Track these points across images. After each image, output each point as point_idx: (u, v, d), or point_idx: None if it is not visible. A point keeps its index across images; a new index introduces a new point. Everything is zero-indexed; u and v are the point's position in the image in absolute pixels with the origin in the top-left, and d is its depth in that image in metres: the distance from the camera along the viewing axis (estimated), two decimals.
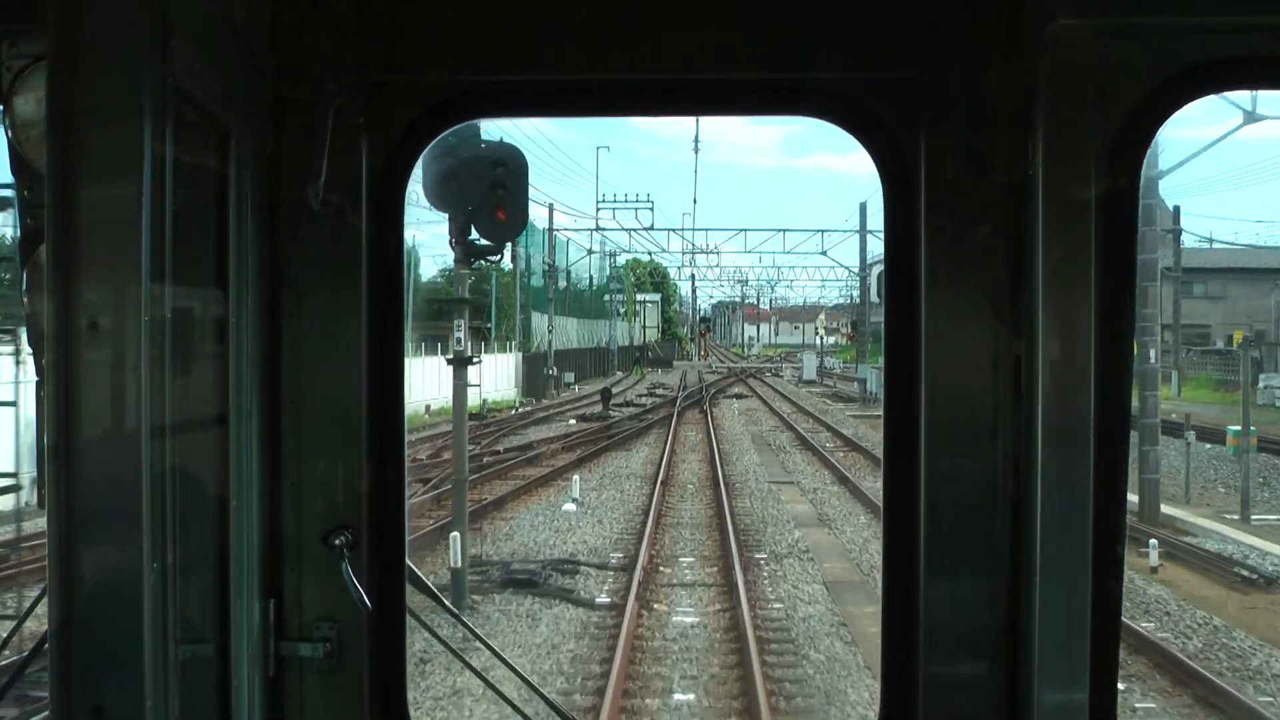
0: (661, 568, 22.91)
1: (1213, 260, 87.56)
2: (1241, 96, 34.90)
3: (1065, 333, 3.02)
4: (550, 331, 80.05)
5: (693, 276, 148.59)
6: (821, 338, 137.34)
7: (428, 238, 77.56)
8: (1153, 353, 30.59)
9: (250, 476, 3.22)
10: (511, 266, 77.71)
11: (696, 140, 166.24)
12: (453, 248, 18.10)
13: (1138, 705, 15.10)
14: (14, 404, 21.13)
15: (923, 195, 3.24)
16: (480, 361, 37.60)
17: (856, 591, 21.06)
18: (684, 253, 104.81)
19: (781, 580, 21.84)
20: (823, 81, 3.40)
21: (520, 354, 76.35)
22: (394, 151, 3.37)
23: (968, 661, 3.24)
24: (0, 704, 3.80)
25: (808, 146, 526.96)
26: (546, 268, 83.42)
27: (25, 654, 3.41)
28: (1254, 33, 3.05)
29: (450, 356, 22.24)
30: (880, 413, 4.19)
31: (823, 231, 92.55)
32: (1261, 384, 59.15)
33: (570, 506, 29.43)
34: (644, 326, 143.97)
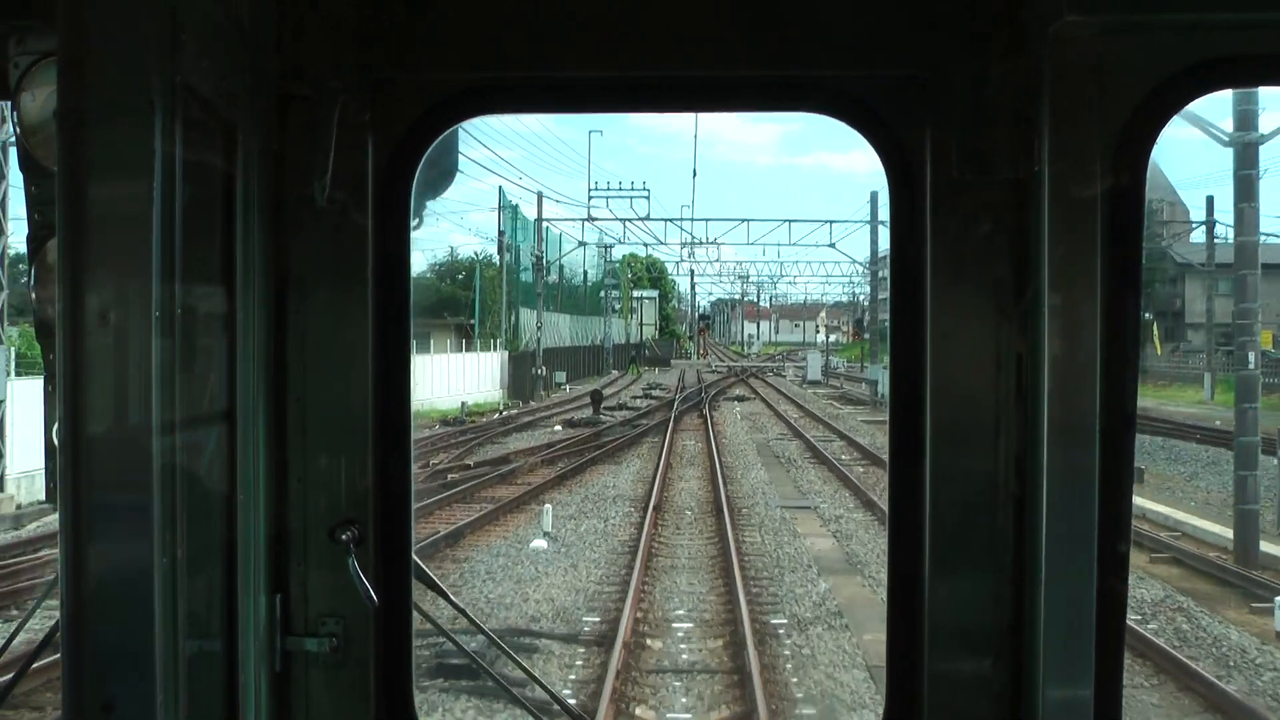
0: (649, 639, 17.50)
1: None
2: None
3: (1070, 330, 3.07)
4: (539, 328, 75.70)
5: (691, 272, 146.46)
6: (825, 336, 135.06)
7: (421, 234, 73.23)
8: (1251, 356, 25.24)
9: (257, 472, 3.28)
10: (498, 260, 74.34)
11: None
12: None
13: None
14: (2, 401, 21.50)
15: (927, 193, 3.30)
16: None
17: None
18: (682, 244, 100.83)
19: (811, 665, 16.30)
20: (825, 80, 3.46)
21: (506, 352, 71.77)
22: (398, 149, 3.44)
23: (972, 659, 3.28)
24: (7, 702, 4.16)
25: (807, 145, 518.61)
26: (535, 260, 78.92)
27: (34, 647, 3.54)
28: (1258, 29, 3.11)
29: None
30: None
31: (830, 222, 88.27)
32: None
33: (540, 544, 24.08)
34: (641, 324, 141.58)
